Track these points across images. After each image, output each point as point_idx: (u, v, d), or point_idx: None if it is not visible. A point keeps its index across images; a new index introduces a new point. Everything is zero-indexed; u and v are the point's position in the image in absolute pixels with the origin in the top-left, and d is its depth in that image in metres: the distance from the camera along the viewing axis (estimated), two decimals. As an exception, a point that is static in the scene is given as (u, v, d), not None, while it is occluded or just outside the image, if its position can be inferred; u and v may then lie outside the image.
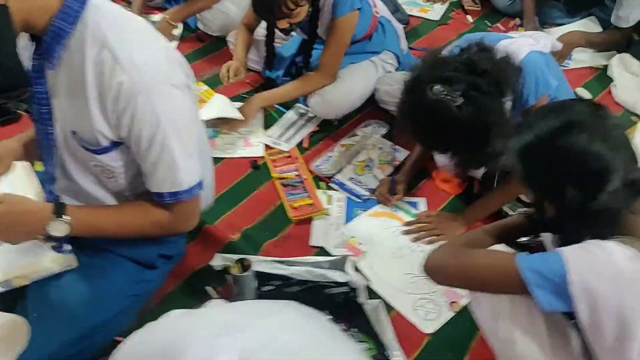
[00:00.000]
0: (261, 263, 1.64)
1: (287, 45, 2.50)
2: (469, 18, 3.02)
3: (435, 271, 1.33)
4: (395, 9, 2.85)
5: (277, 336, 0.96)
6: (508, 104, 1.64)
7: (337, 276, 1.59)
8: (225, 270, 1.61)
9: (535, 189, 1.23)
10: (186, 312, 1.04)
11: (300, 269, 1.62)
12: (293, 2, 1.94)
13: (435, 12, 3.06)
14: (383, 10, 2.40)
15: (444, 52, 1.87)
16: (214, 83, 2.45)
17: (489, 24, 2.99)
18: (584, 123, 1.11)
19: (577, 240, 1.10)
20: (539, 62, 1.72)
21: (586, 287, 1.04)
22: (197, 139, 1.37)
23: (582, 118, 1.13)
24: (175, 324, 0.95)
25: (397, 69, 2.47)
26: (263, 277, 1.66)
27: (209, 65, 2.62)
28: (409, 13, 2.99)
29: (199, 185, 1.38)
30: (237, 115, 2.19)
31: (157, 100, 1.22)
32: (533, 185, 1.22)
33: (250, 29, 2.41)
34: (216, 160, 2.14)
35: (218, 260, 1.67)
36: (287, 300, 1.46)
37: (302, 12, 2.00)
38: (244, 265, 1.56)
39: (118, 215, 1.38)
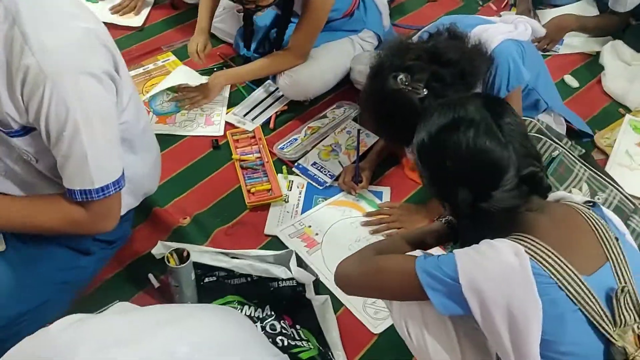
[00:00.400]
0: (203, 254, 1.56)
1: (262, 16, 2.36)
2: (461, -5, 2.87)
3: (342, 281, 1.26)
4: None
5: (176, 348, 0.89)
6: None
7: (280, 272, 1.50)
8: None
9: (432, 190, 1.16)
10: (80, 319, 0.96)
11: (243, 262, 1.54)
12: None
13: (426, -14, 2.91)
14: (364, -14, 2.27)
15: (415, 38, 1.75)
16: (183, 54, 2.33)
17: (480, 2, 2.84)
18: (472, 119, 1.06)
19: (477, 241, 1.04)
20: (512, 52, 1.61)
21: (475, 287, 1.00)
22: (116, 132, 1.27)
23: (471, 114, 1.07)
24: (56, 339, 0.87)
25: (377, 48, 2.36)
26: (205, 267, 1.58)
27: (181, 35, 2.50)
28: (398, -14, 2.84)
29: (117, 183, 1.28)
30: (198, 81, 2.09)
31: (67, 89, 1.12)
32: (429, 185, 1.15)
33: None
34: (175, 137, 2.05)
35: (159, 248, 1.59)
36: (202, 305, 1.40)
37: None
38: (182, 257, 1.48)
39: (29, 209, 1.29)
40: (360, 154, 1.92)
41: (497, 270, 1.00)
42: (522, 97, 1.79)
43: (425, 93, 1.37)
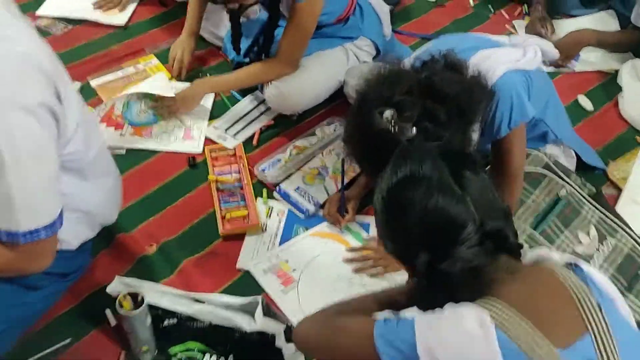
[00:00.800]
0: (162, 295, 1.40)
1: (254, 19, 2.20)
2: (471, 1, 2.67)
3: (300, 341, 1.16)
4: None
5: None
6: (475, 135, 1.35)
7: (245, 322, 1.34)
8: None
9: (388, 248, 1.03)
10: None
11: (205, 308, 1.38)
12: None
13: (433, -11, 2.71)
14: (364, -10, 2.09)
15: (407, 61, 1.57)
16: (166, 58, 2.17)
17: (492, 9, 2.64)
18: (424, 176, 0.94)
19: (441, 305, 0.93)
20: (516, 86, 1.43)
21: (432, 356, 0.89)
22: (52, 170, 1.12)
23: (424, 169, 0.95)
24: None
25: (375, 58, 2.18)
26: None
27: (168, 34, 2.32)
28: (403, -11, 2.65)
29: (50, 227, 1.13)
30: (167, 94, 1.93)
31: None
32: (385, 243, 1.02)
33: None
34: (149, 153, 1.89)
35: (116, 286, 1.44)
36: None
37: None
38: (136, 300, 1.33)
39: None
40: (346, 181, 1.75)
41: (458, 340, 0.89)
42: (528, 128, 1.61)
43: (414, 134, 1.19)
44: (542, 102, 1.62)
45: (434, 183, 0.93)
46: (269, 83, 1.94)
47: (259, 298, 1.37)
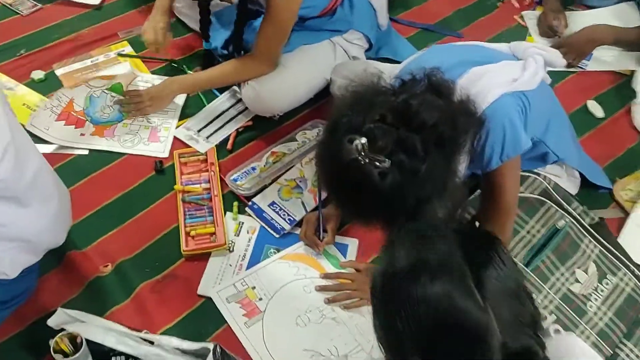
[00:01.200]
0: (108, 332, 1.28)
1: (231, 6, 2.00)
2: (478, -14, 2.45)
3: None
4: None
5: None
6: (461, 166, 1.18)
7: (193, 371, 1.22)
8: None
9: (378, 337, 0.85)
10: None
11: (153, 350, 1.25)
12: None
13: (439, -28, 2.48)
14: (356, -21, 1.88)
15: (394, 73, 1.40)
16: (142, 46, 1.99)
17: (501, -2, 2.42)
18: (439, 267, 0.78)
19: None
20: (510, 113, 1.25)
21: None
22: None
23: (440, 258, 0.79)
24: None
25: (367, 51, 1.99)
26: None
27: (145, 18, 2.12)
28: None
29: None
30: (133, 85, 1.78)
31: None
32: (380, 340, 0.85)
33: None
34: (111, 156, 1.73)
35: (59, 316, 1.31)
36: None
37: None
38: (75, 342, 1.20)
39: None
40: (324, 198, 1.60)
41: None
42: (528, 148, 1.44)
43: (388, 166, 1.03)
44: (542, 123, 1.44)
45: (458, 278, 0.77)
46: (246, 83, 1.77)
47: (211, 346, 1.23)
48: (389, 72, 1.79)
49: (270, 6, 1.61)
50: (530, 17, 2.33)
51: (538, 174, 1.56)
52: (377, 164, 1.03)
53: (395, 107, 1.09)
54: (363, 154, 1.03)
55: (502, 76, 1.29)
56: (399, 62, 2.04)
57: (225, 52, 1.92)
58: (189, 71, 1.97)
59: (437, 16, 2.29)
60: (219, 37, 1.96)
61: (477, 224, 1.41)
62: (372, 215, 1.15)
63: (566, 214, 1.52)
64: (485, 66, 1.32)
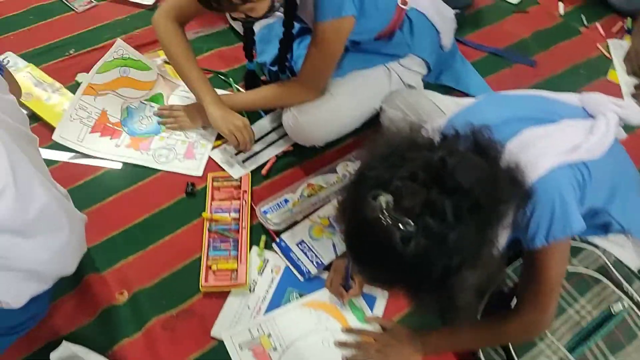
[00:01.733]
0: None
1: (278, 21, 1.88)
2: (561, 8, 2.22)
3: None
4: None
5: None
6: (501, 238, 1.04)
7: None
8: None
9: None
10: None
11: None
12: None
13: (518, -11, 2.28)
14: (420, 1, 1.72)
15: (440, 124, 1.26)
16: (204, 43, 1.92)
17: (585, 22, 2.19)
18: None
19: None
20: (563, 189, 1.09)
21: None
22: None
23: None
24: None
25: (425, 77, 1.84)
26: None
27: (202, 21, 2.05)
28: (480, -14, 2.25)
29: None
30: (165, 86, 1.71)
31: None
32: None
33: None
34: (143, 172, 1.67)
35: (62, 351, 1.26)
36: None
37: (259, 8, 1.40)
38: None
39: None
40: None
41: None
42: (586, 216, 1.26)
43: (412, 230, 0.91)
44: (606, 189, 1.26)
45: None
46: (288, 108, 1.66)
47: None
48: (445, 107, 1.66)
49: (317, 33, 1.49)
50: (617, 48, 2.10)
51: (596, 247, 1.38)
52: (401, 226, 0.90)
53: (430, 164, 0.96)
54: (387, 213, 0.91)
55: (561, 142, 1.13)
56: (460, 91, 1.90)
57: (273, 69, 1.81)
58: (235, 85, 1.88)
59: (511, 38, 2.10)
60: (268, 50, 1.86)
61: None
62: (393, 280, 1.03)
63: (625, 296, 1.34)
64: (542, 127, 1.15)
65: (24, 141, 1.15)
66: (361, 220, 0.96)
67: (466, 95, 1.89)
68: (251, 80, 1.83)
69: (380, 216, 0.91)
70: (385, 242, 0.92)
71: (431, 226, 0.90)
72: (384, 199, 0.92)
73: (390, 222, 0.91)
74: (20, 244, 1.14)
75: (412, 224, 0.90)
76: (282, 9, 1.55)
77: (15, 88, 1.34)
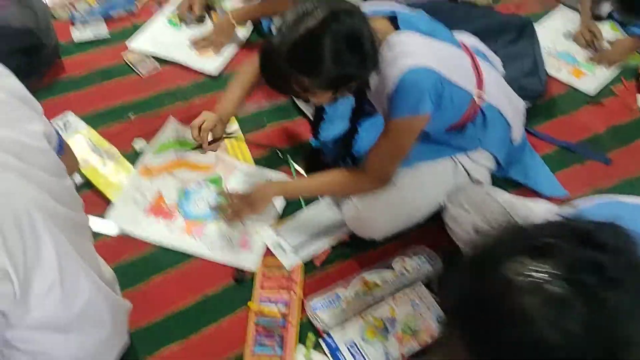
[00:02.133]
0: None
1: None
2: (639, 100, 2.11)
3: None
4: (534, 68, 2.05)
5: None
6: None
7: None
8: None
9: None
10: None
11: None
12: (300, 86, 1.31)
13: (594, 79, 2.17)
14: (494, 95, 1.63)
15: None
16: (247, 125, 1.88)
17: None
18: None
19: None
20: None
21: None
22: None
23: None
24: None
25: (495, 172, 1.74)
26: None
27: (264, 94, 2.01)
28: (554, 74, 2.15)
29: None
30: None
31: None
32: None
33: None
34: (193, 257, 1.61)
35: None
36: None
37: (322, 97, 1.35)
38: None
39: None
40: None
41: None
42: None
43: (569, 292, 0.71)
44: None
45: None
46: (350, 198, 1.59)
47: None
48: (512, 208, 1.56)
49: (390, 127, 1.42)
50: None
51: None
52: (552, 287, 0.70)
53: (567, 227, 0.80)
54: (536, 271, 0.71)
55: None
56: (527, 186, 1.80)
57: (334, 151, 1.74)
58: (292, 163, 1.82)
59: (584, 131, 1.99)
60: (330, 129, 1.80)
61: None
62: None
63: None
64: None
65: (74, 230, 1.10)
66: (495, 288, 0.74)
67: (534, 192, 1.78)
68: (314, 159, 1.78)
69: (532, 278, 0.71)
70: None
71: (593, 291, 0.70)
72: (527, 262, 0.72)
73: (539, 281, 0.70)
74: (61, 340, 1.09)
75: (568, 285, 0.70)
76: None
77: (73, 163, 1.31)
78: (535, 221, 0.87)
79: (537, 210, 1.57)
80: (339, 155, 1.74)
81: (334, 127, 1.78)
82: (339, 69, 1.29)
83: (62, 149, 1.15)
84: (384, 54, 1.39)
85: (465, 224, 1.58)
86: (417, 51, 1.38)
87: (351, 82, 1.37)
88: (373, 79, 1.43)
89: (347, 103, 1.64)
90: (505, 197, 1.60)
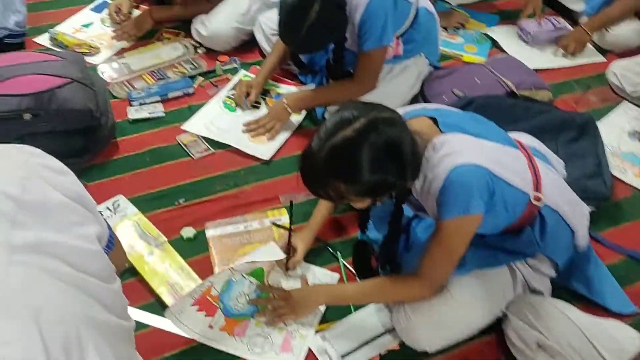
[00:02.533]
0: None
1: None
2: None
3: None
4: (597, 170, 1.98)
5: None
6: None
7: None
8: None
9: None
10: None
11: None
12: (337, 192, 1.30)
13: None
14: (554, 198, 1.52)
15: None
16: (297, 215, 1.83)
17: None
18: None
19: None
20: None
21: None
22: None
23: None
24: None
25: (556, 279, 1.64)
26: None
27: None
28: (618, 175, 2.07)
29: None
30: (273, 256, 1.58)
31: None
32: None
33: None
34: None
35: None
36: None
37: (361, 204, 1.37)
38: None
39: None
40: None
41: None
42: None
43: None
44: None
45: None
46: (401, 306, 1.50)
47: None
48: (583, 327, 1.46)
49: (440, 229, 1.36)
50: None
51: None
52: None
53: None
54: None
55: None
56: (591, 300, 1.69)
57: (380, 251, 1.68)
58: (342, 260, 1.75)
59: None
60: (380, 228, 1.74)
61: None
62: None
63: None
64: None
65: (119, 337, 1.05)
66: None
67: (601, 307, 1.66)
68: (362, 254, 1.73)
69: None
70: None
71: None
72: None
73: None
74: None
75: None
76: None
77: (121, 259, 1.27)
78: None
79: (618, 337, 1.48)
80: (385, 255, 1.67)
81: (382, 226, 1.72)
82: (377, 178, 1.26)
83: (113, 244, 1.12)
84: (429, 155, 1.34)
85: (528, 338, 1.48)
86: (464, 150, 1.33)
87: (390, 190, 1.34)
88: (419, 181, 1.38)
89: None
90: (576, 315, 1.51)
